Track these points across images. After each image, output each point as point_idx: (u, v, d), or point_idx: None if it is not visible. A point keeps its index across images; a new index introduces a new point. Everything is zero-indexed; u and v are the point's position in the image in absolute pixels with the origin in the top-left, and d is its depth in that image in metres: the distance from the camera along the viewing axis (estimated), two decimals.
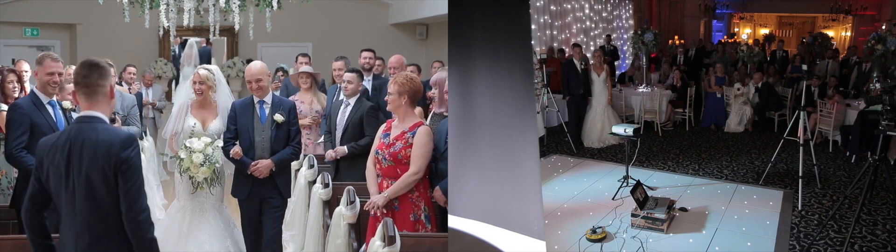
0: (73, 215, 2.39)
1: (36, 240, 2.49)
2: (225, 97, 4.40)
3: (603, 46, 11.22)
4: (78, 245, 2.38)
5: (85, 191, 2.35)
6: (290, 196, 4.40)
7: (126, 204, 2.34)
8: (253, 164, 4.15)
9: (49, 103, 3.80)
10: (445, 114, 3.84)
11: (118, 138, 2.35)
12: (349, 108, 4.81)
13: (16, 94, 4.28)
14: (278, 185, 4.27)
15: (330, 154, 4.76)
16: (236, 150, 4.16)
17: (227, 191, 4.36)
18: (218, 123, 4.33)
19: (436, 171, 3.69)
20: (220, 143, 4.19)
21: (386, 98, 3.65)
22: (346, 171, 4.70)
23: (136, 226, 2.34)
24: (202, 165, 4.05)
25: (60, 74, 3.86)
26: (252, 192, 4.25)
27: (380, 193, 3.62)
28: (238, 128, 4.21)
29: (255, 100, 4.25)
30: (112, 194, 2.35)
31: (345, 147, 4.68)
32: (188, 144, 4.05)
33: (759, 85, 8.99)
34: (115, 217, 2.37)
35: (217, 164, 4.12)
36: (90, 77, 2.43)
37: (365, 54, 6.13)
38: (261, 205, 4.26)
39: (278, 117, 4.19)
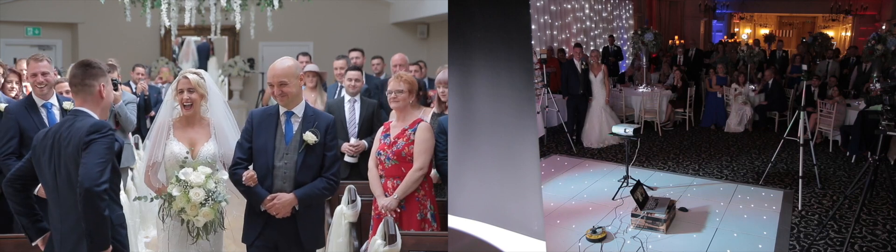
0: (57, 200, 2.54)
1: (20, 210, 2.64)
2: (219, 110, 3.36)
3: (606, 47, 11.24)
4: (62, 227, 2.53)
5: (65, 177, 2.50)
6: (319, 247, 3.34)
7: (81, 176, 2.40)
8: (269, 198, 3.12)
9: (43, 106, 3.75)
10: (446, 113, 3.86)
11: (86, 124, 2.49)
12: (357, 105, 4.82)
13: (13, 94, 4.26)
14: (299, 230, 3.18)
15: (348, 148, 4.67)
16: (250, 173, 3.13)
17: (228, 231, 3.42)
18: (211, 147, 3.26)
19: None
20: (224, 174, 3.21)
21: (394, 96, 3.63)
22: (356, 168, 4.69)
23: (89, 196, 2.37)
24: (203, 205, 3.04)
25: (45, 74, 3.78)
26: (263, 236, 3.18)
27: (385, 194, 3.63)
28: (254, 147, 3.17)
29: (281, 110, 3.21)
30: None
31: (364, 141, 4.68)
32: (182, 177, 3.05)
33: (770, 83, 8.98)
34: None
35: (222, 204, 3.14)
36: (78, 76, 2.60)
37: (354, 54, 6.21)
38: None
39: (309, 137, 3.12)
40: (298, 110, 3.20)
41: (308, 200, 3.16)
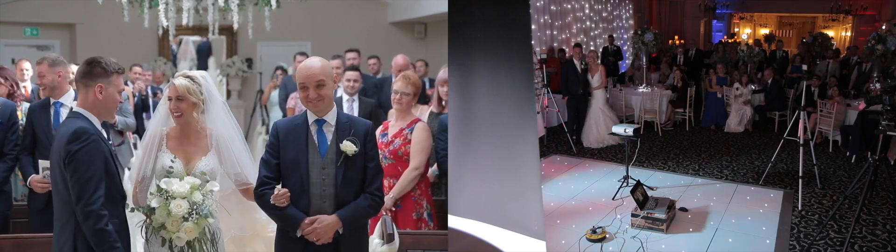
0: (54, 200, 2.53)
1: None
2: (220, 119, 2.94)
3: (606, 47, 11.24)
4: (56, 226, 2.51)
5: (61, 180, 2.46)
6: None
7: (74, 195, 2.39)
8: (307, 221, 2.66)
9: (53, 104, 3.86)
10: (444, 112, 3.86)
11: (69, 131, 2.42)
12: (355, 104, 4.86)
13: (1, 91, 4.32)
14: None
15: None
16: (282, 191, 2.65)
17: None
18: (210, 162, 2.87)
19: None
20: (215, 186, 2.81)
21: (399, 98, 3.66)
22: None
23: (86, 216, 2.38)
24: (186, 220, 2.66)
25: (41, 77, 3.93)
26: None
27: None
28: (282, 163, 2.71)
29: (310, 119, 2.75)
30: (66, 186, 2.43)
31: None
32: (164, 186, 2.68)
33: (769, 82, 8.98)
34: (70, 208, 2.44)
35: (210, 220, 2.74)
36: (79, 74, 2.55)
37: (350, 55, 6.23)
38: None
39: (348, 147, 2.67)
40: (330, 117, 2.74)
41: (353, 222, 2.70)
